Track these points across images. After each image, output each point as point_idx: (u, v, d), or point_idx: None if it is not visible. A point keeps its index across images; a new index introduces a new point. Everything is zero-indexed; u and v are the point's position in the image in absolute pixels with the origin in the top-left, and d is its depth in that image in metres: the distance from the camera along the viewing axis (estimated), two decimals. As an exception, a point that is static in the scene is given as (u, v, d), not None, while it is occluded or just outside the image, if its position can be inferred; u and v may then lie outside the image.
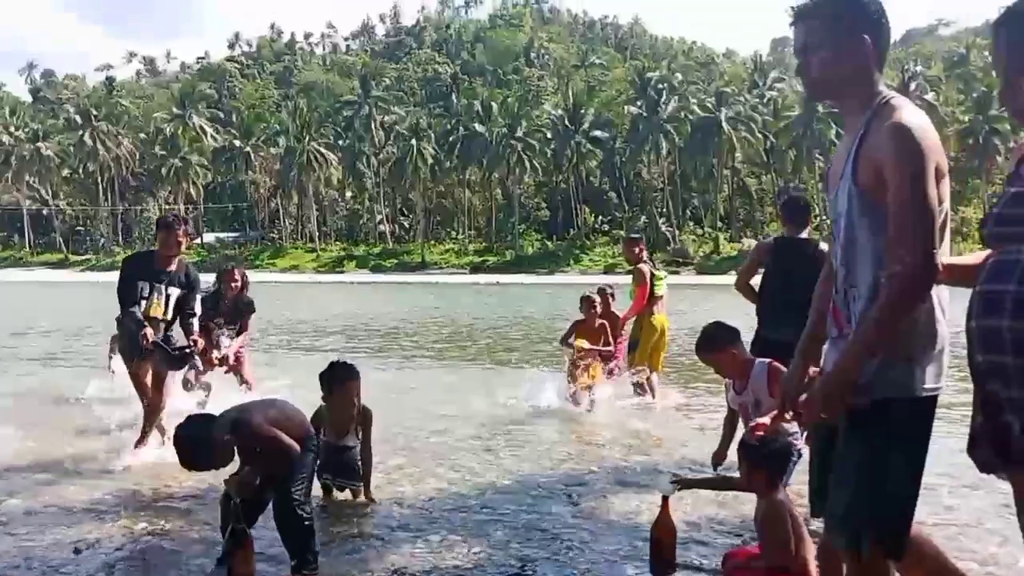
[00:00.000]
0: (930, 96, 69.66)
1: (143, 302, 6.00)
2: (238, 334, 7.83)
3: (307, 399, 4.95)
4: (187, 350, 6.11)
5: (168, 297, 6.09)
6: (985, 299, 2.04)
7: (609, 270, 61.95)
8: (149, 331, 5.84)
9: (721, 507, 4.73)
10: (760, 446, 3.68)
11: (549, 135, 78.58)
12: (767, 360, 4.55)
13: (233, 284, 7.87)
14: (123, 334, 6.10)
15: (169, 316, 6.12)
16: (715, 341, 4.54)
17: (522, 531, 4.42)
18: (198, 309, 6.27)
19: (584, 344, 8.20)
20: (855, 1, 2.33)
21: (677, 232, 74.04)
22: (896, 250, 2.15)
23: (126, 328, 5.99)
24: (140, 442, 5.97)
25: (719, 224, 75.46)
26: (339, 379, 4.89)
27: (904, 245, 2.13)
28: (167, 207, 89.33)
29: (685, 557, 3.90)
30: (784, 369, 4.25)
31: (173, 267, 6.11)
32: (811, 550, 3.48)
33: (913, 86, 69.57)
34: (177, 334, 6.24)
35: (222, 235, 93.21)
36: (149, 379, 6.06)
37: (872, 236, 2.25)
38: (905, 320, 2.17)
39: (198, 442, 3.69)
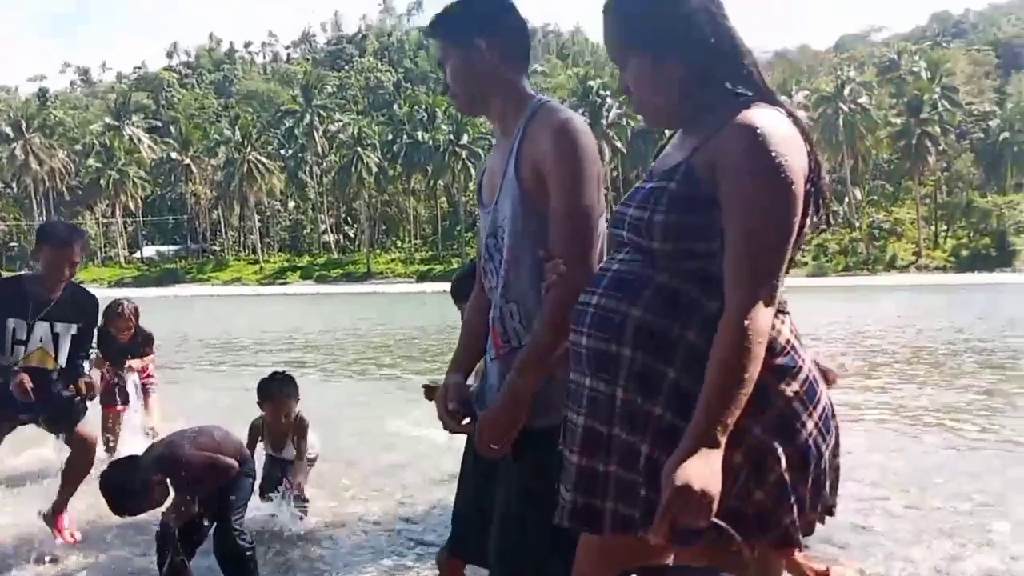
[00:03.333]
0: (863, 100, 71.31)
1: (18, 349, 4.30)
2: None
3: (242, 419, 4.80)
4: (77, 399, 4.49)
5: (58, 336, 4.38)
6: (575, 311, 1.83)
7: (556, 276, 62.05)
8: (25, 377, 4.15)
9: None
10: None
11: (494, 142, 78.44)
12: None
13: (126, 332, 6.49)
14: None
15: (63, 363, 4.41)
16: None
17: (474, 551, 4.31)
18: (93, 350, 4.71)
19: None
20: (466, 11, 2.24)
21: (622, 237, 74.57)
22: (555, 259, 2.01)
23: None
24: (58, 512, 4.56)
25: (663, 229, 75.98)
26: (275, 390, 4.78)
27: (563, 254, 2.00)
28: (105, 220, 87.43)
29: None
30: None
31: (57, 294, 4.34)
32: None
33: (847, 90, 71.16)
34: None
35: (162, 248, 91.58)
36: None
37: (535, 245, 2.10)
38: (565, 335, 1.91)
39: (127, 487, 3.53)
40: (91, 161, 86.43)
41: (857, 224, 70.89)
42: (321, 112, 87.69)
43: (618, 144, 73.55)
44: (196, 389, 10.27)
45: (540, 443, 2.00)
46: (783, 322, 1.69)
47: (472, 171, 76.99)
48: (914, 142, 68.77)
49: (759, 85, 1.73)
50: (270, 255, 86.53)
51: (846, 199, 72.55)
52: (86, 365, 4.59)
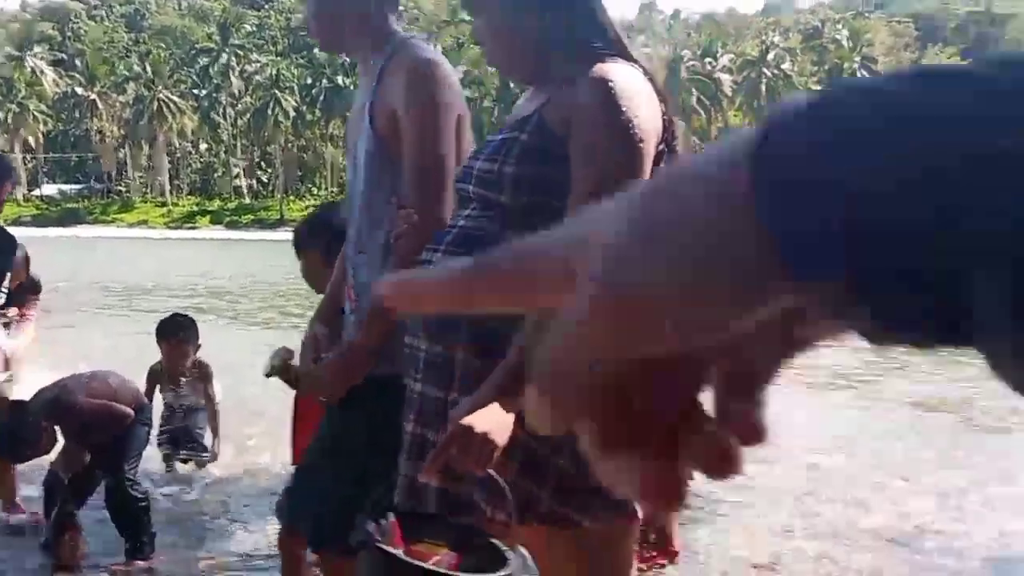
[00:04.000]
0: (786, 66, 72.55)
1: None
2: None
3: (143, 365, 4.61)
4: None
5: None
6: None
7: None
8: None
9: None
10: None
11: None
12: None
13: (15, 281, 5.52)
14: None
15: None
16: None
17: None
18: (2, 294, 4.30)
19: None
20: None
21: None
22: (407, 210, 1.95)
23: None
24: None
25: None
26: (173, 330, 4.59)
27: (415, 204, 1.93)
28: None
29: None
30: None
31: None
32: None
33: (771, 55, 72.26)
34: None
35: (64, 187, 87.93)
36: None
37: (389, 195, 2.03)
38: None
39: (15, 432, 3.36)
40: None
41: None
42: (238, 52, 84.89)
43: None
44: (96, 334, 9.89)
45: (383, 392, 1.92)
46: None
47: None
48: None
49: (615, 40, 1.66)
50: (179, 198, 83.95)
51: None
52: None
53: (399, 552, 1.46)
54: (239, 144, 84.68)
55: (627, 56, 1.64)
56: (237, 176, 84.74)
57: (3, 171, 3.88)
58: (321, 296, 2.54)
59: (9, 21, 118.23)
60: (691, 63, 74.45)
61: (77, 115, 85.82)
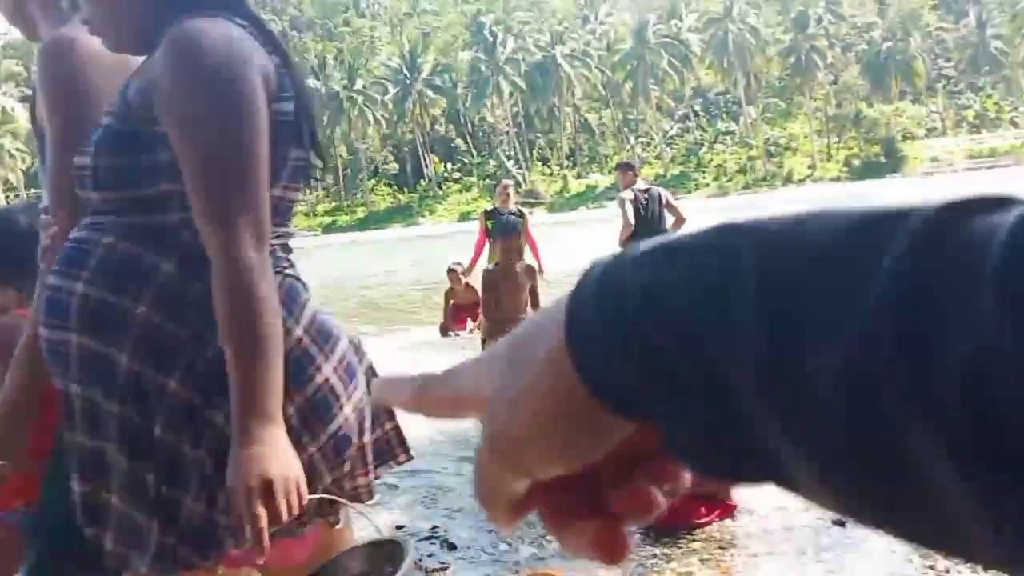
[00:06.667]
0: (751, 19, 72.28)
1: None
2: None
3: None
4: None
5: None
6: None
7: (464, 217, 61.83)
8: None
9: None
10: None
11: (389, 86, 77.28)
12: None
13: None
14: None
15: None
16: None
17: (427, 495, 4.23)
18: None
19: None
20: None
21: (527, 173, 74.68)
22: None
23: None
24: None
25: (565, 162, 76.44)
26: None
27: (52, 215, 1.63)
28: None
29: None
30: None
31: None
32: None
33: (735, 10, 72.00)
34: None
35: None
36: None
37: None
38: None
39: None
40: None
41: (753, 143, 72.41)
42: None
43: (517, 80, 73.05)
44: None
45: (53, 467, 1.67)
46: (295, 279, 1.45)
47: (370, 117, 75.51)
48: (803, 57, 70.28)
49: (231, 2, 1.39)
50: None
51: (741, 118, 73.99)
52: None
53: None
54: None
55: (239, 10, 1.37)
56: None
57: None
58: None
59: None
60: (657, 26, 74.19)
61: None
